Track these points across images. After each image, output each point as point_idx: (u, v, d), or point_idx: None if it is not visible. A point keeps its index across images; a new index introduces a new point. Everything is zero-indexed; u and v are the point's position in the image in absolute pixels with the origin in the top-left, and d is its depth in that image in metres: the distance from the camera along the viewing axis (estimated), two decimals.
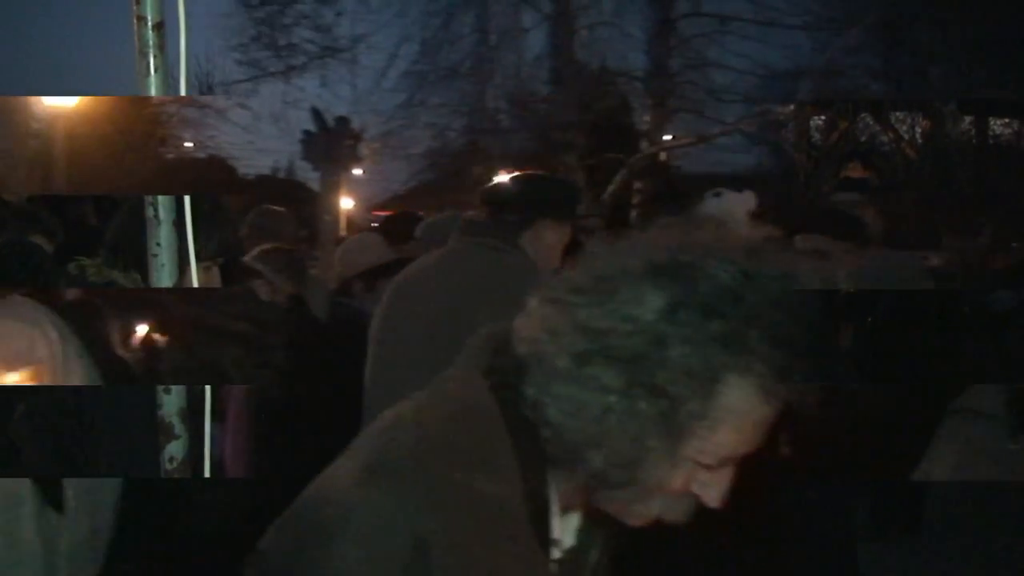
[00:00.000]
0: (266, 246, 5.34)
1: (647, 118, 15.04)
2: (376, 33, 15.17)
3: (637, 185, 15.24)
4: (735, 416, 1.40)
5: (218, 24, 14.79)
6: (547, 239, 3.40)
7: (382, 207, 16.34)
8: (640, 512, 1.47)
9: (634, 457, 1.39)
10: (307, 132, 16.98)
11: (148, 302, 2.79)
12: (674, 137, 15.16)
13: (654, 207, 13.23)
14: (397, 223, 6.46)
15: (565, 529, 1.54)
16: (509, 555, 1.41)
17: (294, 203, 22.33)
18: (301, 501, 1.42)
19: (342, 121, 16.83)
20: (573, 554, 1.56)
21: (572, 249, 3.68)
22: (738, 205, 5.65)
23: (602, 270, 1.41)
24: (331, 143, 16.96)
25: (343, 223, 16.77)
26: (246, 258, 5.10)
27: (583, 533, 1.58)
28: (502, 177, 3.84)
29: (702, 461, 1.42)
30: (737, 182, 9.69)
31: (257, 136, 17.14)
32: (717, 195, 5.68)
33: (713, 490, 1.45)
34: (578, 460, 1.40)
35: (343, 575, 1.33)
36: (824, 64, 13.62)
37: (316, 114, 16.74)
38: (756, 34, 14.63)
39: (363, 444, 1.46)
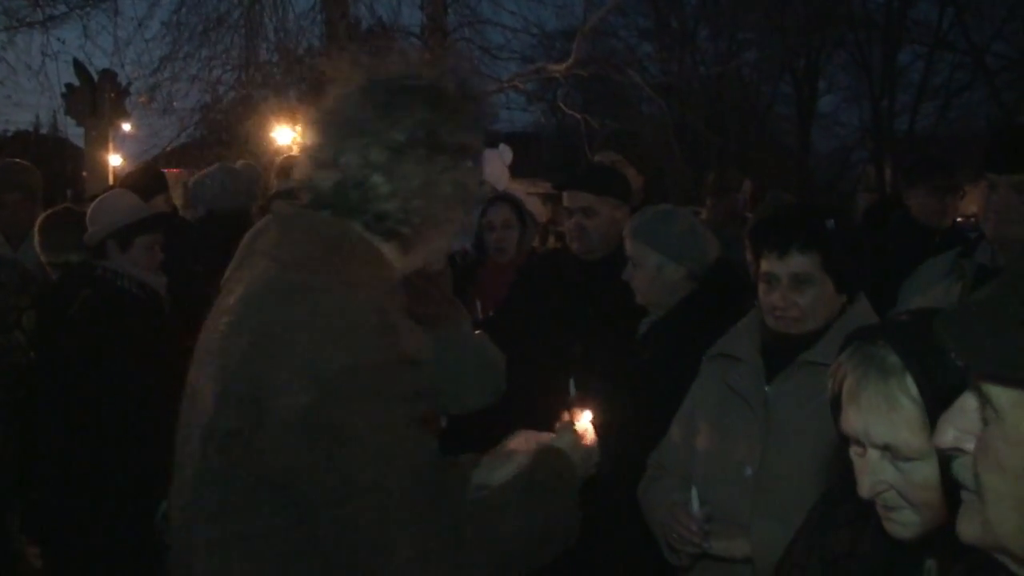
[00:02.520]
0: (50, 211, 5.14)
1: None
2: None
3: None
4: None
5: None
6: None
7: (153, 163, 15.72)
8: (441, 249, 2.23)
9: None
10: (69, 86, 16.23)
11: None
12: None
13: None
14: (145, 178, 6.25)
15: None
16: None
17: (58, 160, 21.27)
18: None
19: (106, 74, 16.13)
20: None
21: None
22: (494, 160, 5.74)
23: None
24: (95, 97, 16.25)
25: (111, 180, 16.03)
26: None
27: None
28: None
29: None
30: (514, 139, 9.75)
31: (15, 90, 16.15)
32: None
33: None
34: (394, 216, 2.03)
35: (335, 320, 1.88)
36: (596, 24, 13.87)
37: (79, 67, 16.00)
38: None
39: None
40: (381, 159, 1.99)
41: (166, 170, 15.60)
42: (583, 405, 2.49)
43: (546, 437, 2.37)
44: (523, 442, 2.38)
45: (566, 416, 2.44)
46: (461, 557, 1.91)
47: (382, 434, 1.85)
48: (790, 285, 2.89)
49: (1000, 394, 1.14)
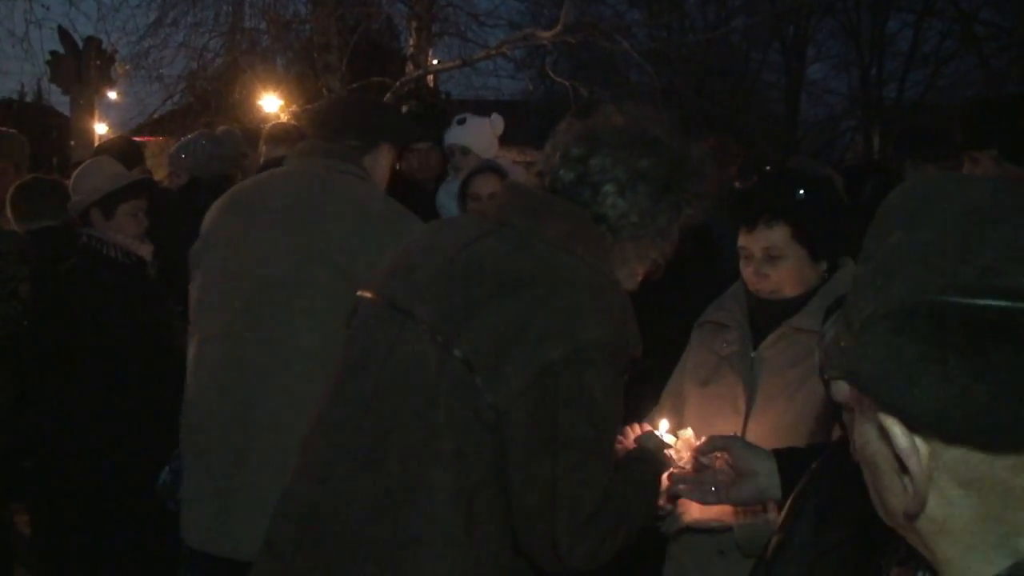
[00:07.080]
0: (18, 183, 5.16)
1: (411, 41, 14.93)
2: None
3: (404, 109, 15.14)
4: None
5: None
6: (383, 163, 3.55)
7: (139, 131, 15.67)
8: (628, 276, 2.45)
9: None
10: (54, 53, 16.12)
11: None
12: (439, 61, 15.11)
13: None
14: (122, 149, 6.25)
15: None
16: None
17: (43, 128, 21.12)
18: None
19: (91, 41, 16.03)
20: None
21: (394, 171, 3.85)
22: (483, 129, 5.70)
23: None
24: (80, 65, 16.15)
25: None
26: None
27: None
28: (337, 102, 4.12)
29: None
30: (502, 107, 9.70)
31: None
32: (461, 121, 5.72)
33: None
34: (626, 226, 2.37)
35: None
36: None
37: (63, 34, 15.88)
38: None
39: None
40: (621, 175, 2.34)
41: (152, 138, 15.61)
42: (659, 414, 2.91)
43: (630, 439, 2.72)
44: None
45: (646, 425, 2.79)
46: (619, 518, 2.30)
47: (607, 397, 2.22)
48: (763, 258, 2.91)
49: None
